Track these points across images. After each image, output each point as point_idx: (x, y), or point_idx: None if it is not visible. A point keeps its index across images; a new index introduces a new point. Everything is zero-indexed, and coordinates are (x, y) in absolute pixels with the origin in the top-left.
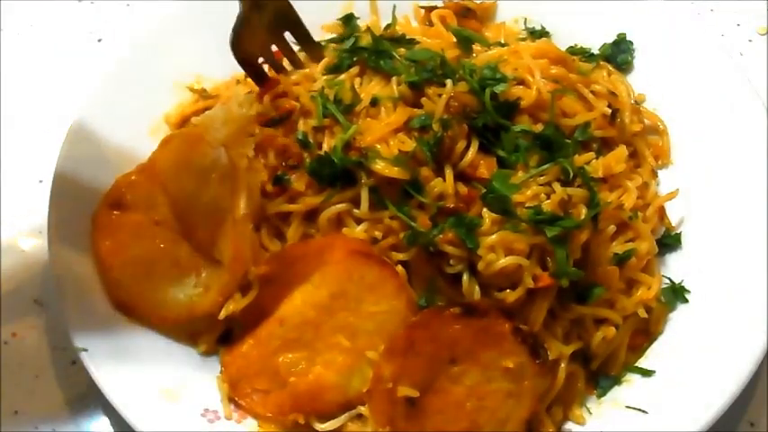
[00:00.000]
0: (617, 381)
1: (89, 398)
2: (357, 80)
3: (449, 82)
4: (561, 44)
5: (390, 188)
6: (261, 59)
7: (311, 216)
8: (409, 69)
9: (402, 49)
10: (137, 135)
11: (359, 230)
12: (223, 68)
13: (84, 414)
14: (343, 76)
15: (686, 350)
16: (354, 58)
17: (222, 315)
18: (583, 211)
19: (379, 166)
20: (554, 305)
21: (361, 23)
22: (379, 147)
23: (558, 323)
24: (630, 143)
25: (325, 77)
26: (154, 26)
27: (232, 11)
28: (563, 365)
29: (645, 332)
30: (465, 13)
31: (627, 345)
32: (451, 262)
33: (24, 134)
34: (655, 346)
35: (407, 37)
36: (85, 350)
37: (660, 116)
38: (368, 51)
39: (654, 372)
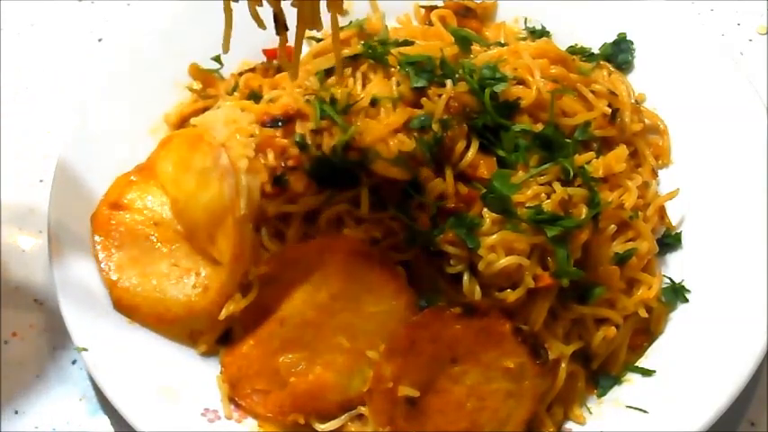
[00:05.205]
0: (617, 380)
1: (89, 398)
2: (351, 80)
3: (449, 82)
4: (561, 44)
5: (390, 189)
6: None
7: (311, 217)
8: (408, 75)
9: (397, 51)
10: (137, 135)
11: (359, 231)
12: (223, 68)
13: (84, 414)
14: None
15: (686, 350)
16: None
17: (222, 315)
18: (583, 211)
19: (379, 167)
20: (554, 305)
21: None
22: (378, 147)
23: (558, 323)
24: (631, 143)
25: (318, 81)
26: (154, 26)
27: None
28: (563, 365)
29: (645, 332)
30: (465, 13)
31: (627, 344)
32: (452, 262)
33: (24, 134)
34: (655, 345)
35: (402, 39)
36: (85, 350)
37: (660, 116)
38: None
39: (654, 371)
